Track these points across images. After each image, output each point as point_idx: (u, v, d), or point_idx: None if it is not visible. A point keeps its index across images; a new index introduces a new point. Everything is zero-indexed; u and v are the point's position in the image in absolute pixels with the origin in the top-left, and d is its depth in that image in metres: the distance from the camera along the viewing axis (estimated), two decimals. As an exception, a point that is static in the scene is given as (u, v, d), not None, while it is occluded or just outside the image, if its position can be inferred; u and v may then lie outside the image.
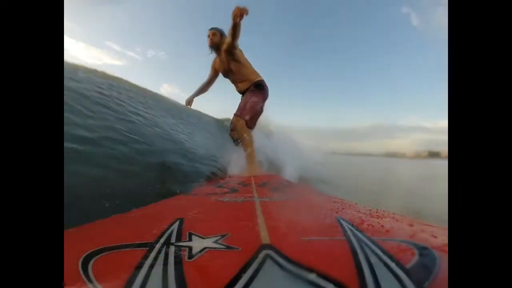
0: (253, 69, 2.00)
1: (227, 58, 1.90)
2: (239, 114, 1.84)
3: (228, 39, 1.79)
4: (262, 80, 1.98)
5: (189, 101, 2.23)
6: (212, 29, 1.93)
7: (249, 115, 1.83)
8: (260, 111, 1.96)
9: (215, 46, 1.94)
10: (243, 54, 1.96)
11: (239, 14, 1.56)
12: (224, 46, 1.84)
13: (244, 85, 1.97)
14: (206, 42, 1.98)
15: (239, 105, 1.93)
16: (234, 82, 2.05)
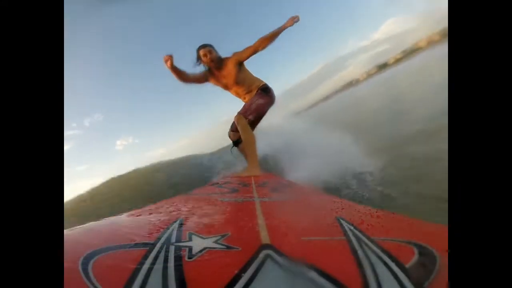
0: (256, 77, 1.96)
1: (237, 71, 1.82)
2: (243, 112, 1.78)
3: (262, 45, 1.73)
4: (267, 84, 1.93)
5: (171, 62, 1.80)
6: (205, 47, 1.81)
7: (253, 116, 1.80)
8: (263, 114, 1.91)
9: (215, 64, 1.83)
10: (245, 64, 1.91)
11: (297, 19, 1.64)
12: (246, 55, 1.77)
13: (251, 95, 1.91)
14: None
15: (244, 105, 1.87)
16: (240, 94, 1.97)
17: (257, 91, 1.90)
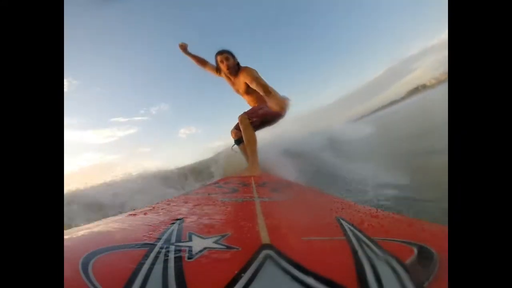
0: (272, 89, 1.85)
1: (246, 85, 1.76)
2: (248, 113, 1.79)
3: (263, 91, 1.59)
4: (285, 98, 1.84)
5: (185, 48, 2.00)
6: (223, 53, 1.79)
7: (258, 120, 1.79)
8: (270, 122, 1.89)
9: (232, 71, 1.80)
10: (260, 77, 1.75)
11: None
12: (258, 85, 1.62)
13: (259, 103, 1.87)
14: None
15: (252, 107, 1.87)
16: (251, 102, 1.95)
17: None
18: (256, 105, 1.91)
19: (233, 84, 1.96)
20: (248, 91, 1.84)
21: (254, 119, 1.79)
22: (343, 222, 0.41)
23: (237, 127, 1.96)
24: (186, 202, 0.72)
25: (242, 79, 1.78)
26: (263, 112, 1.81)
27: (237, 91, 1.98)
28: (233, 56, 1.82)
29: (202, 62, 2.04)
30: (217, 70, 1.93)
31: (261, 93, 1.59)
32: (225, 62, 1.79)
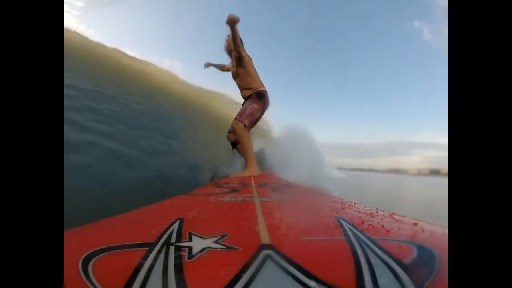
0: (258, 79, 2.12)
1: (235, 63, 2.06)
2: (238, 118, 1.95)
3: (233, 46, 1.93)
4: (264, 91, 2.10)
5: (209, 64, 2.50)
6: (229, 35, 2.07)
7: (248, 120, 1.94)
8: (257, 118, 2.08)
9: (229, 49, 2.10)
10: (251, 63, 2.09)
11: (232, 20, 1.75)
12: (234, 53, 1.98)
13: (247, 92, 2.10)
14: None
15: (240, 110, 2.04)
16: (239, 87, 2.17)
17: (252, 95, 2.06)
18: (244, 90, 2.13)
19: (231, 66, 2.20)
20: (237, 71, 2.08)
21: (246, 121, 1.93)
22: (343, 222, 0.41)
23: (230, 130, 2.10)
24: (186, 202, 0.72)
25: (233, 58, 2.04)
26: (250, 111, 1.98)
27: (232, 74, 2.20)
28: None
29: (221, 66, 2.45)
30: (228, 68, 2.29)
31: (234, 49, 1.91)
32: (226, 43, 2.12)
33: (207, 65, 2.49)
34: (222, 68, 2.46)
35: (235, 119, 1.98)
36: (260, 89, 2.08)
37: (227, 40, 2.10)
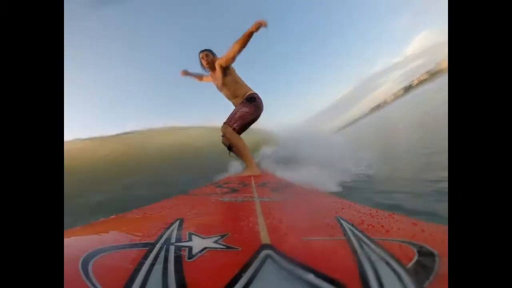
0: (245, 85, 2.11)
1: (222, 74, 2.01)
2: (227, 122, 1.94)
3: (234, 50, 1.84)
4: (254, 94, 2.08)
5: (186, 73, 2.40)
6: (203, 51, 2.07)
7: (237, 124, 1.93)
8: (250, 122, 2.05)
9: (211, 66, 2.07)
10: (235, 70, 2.08)
11: (263, 24, 1.68)
12: (224, 60, 1.91)
13: (238, 100, 2.08)
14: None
15: (230, 114, 2.02)
16: (228, 97, 2.15)
17: (243, 100, 2.03)
18: (234, 99, 2.11)
19: (214, 79, 2.15)
20: (224, 81, 2.04)
21: (235, 125, 1.92)
22: (343, 222, 0.41)
23: (223, 135, 2.07)
24: (186, 202, 0.72)
25: (217, 68, 2.00)
26: (240, 114, 1.96)
27: (217, 86, 2.16)
28: (212, 54, 2.08)
29: (199, 76, 2.38)
30: (202, 67, 2.17)
31: (227, 56, 1.87)
32: (205, 59, 2.06)
33: (184, 73, 2.40)
34: (200, 78, 2.39)
35: (224, 123, 1.96)
36: (250, 93, 2.05)
37: (206, 56, 2.05)
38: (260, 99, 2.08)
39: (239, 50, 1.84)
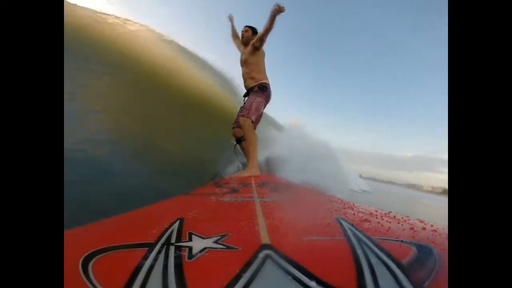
0: (264, 72, 2.15)
1: (250, 51, 2.09)
2: (246, 114, 1.92)
3: (261, 32, 1.96)
4: (268, 83, 2.11)
5: (231, 18, 2.48)
6: (246, 26, 2.24)
7: (254, 116, 1.93)
8: (261, 111, 2.08)
9: (246, 41, 2.20)
10: (263, 56, 2.15)
11: (278, 9, 1.77)
12: (255, 39, 2.03)
13: (250, 83, 2.11)
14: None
15: (244, 105, 2.03)
16: (244, 75, 2.20)
17: (255, 87, 2.06)
18: (248, 79, 2.15)
19: (242, 53, 2.25)
20: (248, 59, 2.12)
21: (253, 117, 1.91)
22: (343, 222, 0.41)
23: (237, 125, 2.04)
24: (186, 202, 0.72)
25: (249, 46, 2.10)
26: (256, 105, 1.97)
27: (241, 61, 2.23)
28: (254, 32, 2.21)
29: (235, 34, 2.46)
30: (238, 42, 2.35)
31: (259, 37, 1.98)
32: (244, 34, 2.23)
33: (230, 18, 2.48)
34: (234, 36, 2.47)
35: (242, 115, 1.93)
36: (264, 81, 2.08)
37: (245, 32, 2.21)
38: (270, 89, 2.13)
39: (267, 33, 1.94)
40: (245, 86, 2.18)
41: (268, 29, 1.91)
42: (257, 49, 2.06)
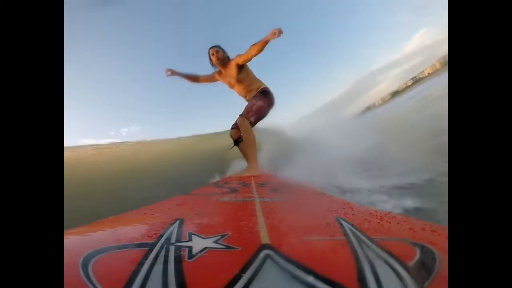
0: (257, 78, 2.11)
1: (237, 72, 2.01)
2: (245, 114, 1.91)
3: (251, 53, 1.85)
4: (267, 87, 2.08)
5: (173, 72, 2.16)
6: (213, 47, 2.03)
7: (254, 117, 1.91)
8: (264, 115, 2.04)
9: (221, 61, 2.03)
10: (248, 66, 2.08)
11: (278, 33, 1.67)
12: (242, 59, 1.93)
13: (251, 94, 2.07)
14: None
15: (245, 107, 2.00)
16: (241, 92, 2.13)
17: (257, 93, 2.03)
18: (247, 93, 2.09)
19: (225, 76, 2.13)
20: (239, 78, 2.03)
21: (252, 118, 1.89)
22: (343, 222, 0.41)
23: (236, 127, 2.03)
24: (186, 202, 0.72)
25: (232, 66, 2.00)
26: (256, 108, 1.94)
27: (229, 83, 2.14)
28: (223, 50, 2.05)
29: (193, 78, 2.25)
30: (211, 63, 2.12)
31: (245, 57, 1.88)
32: (215, 55, 2.01)
33: (171, 72, 2.14)
34: (194, 79, 2.23)
35: (240, 115, 1.91)
36: (263, 86, 2.05)
37: (216, 52, 2.01)
38: (272, 94, 2.08)
39: (256, 54, 1.85)
40: (248, 100, 2.11)
41: (260, 51, 1.82)
42: (242, 66, 1.98)
